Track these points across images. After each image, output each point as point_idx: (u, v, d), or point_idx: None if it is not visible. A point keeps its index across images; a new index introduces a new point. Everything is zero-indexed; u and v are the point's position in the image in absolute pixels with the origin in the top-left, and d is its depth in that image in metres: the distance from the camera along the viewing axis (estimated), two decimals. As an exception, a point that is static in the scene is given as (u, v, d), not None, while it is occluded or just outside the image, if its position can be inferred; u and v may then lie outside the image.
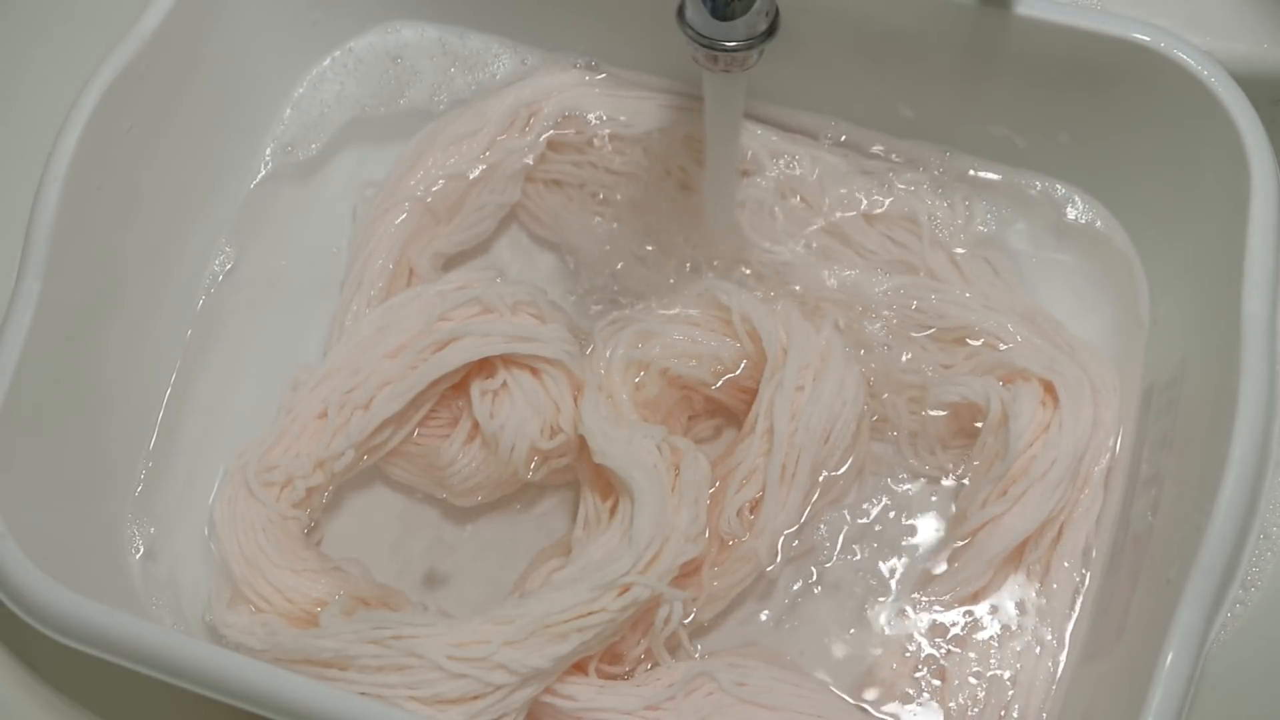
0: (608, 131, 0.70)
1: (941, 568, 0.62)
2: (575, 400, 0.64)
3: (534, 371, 0.64)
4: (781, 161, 0.68)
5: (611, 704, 0.57)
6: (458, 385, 0.65)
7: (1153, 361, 0.62)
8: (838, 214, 0.68)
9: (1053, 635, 0.59)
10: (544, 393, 0.64)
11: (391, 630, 0.56)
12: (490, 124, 0.70)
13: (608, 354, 0.64)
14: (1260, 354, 0.53)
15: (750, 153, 0.68)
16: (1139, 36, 0.60)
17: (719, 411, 0.66)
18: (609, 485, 0.62)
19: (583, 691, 0.58)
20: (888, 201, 0.68)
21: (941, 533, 0.63)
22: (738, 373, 0.64)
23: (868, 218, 0.68)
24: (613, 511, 0.61)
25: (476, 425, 0.64)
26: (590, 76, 0.71)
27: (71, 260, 0.59)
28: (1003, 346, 0.64)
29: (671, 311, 0.65)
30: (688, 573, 0.60)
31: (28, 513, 0.56)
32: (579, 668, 0.59)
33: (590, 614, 0.56)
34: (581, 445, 0.63)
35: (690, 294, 0.66)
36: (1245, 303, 0.54)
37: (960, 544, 0.62)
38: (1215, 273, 0.57)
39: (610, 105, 0.70)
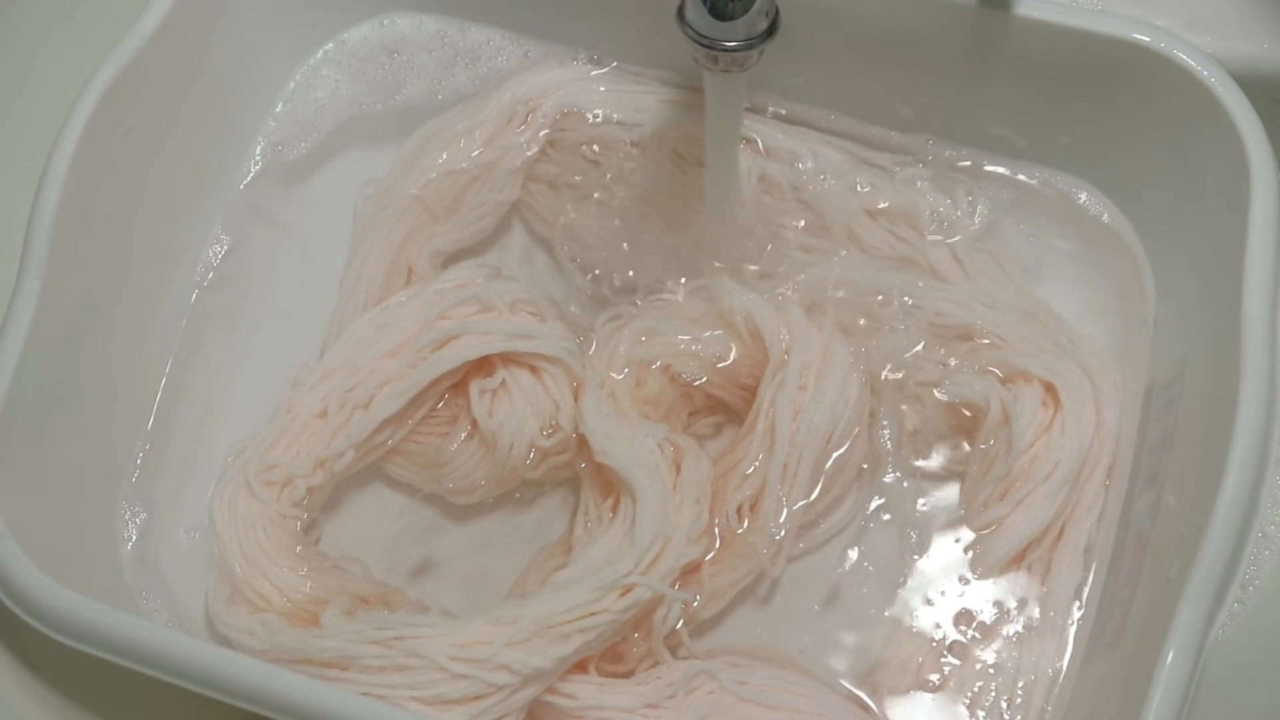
0: (607, 128, 0.70)
1: (943, 567, 0.62)
2: (575, 398, 0.64)
3: (533, 370, 0.64)
4: (783, 158, 0.68)
5: (612, 702, 0.57)
6: (457, 384, 0.65)
7: (1153, 361, 0.62)
8: (839, 210, 0.67)
9: (1055, 634, 0.59)
10: (543, 391, 0.64)
11: (393, 631, 0.56)
12: (488, 120, 0.70)
13: (609, 351, 0.64)
14: (1260, 354, 0.53)
15: (751, 149, 0.68)
16: (1139, 37, 0.60)
17: (719, 408, 0.66)
18: (609, 484, 0.62)
19: (583, 690, 0.58)
20: (889, 197, 0.67)
21: (942, 532, 0.63)
22: (729, 362, 0.64)
23: (869, 213, 0.68)
24: (613, 510, 0.61)
25: (475, 423, 0.64)
26: (592, 71, 0.71)
27: (71, 259, 0.59)
28: (1003, 344, 0.64)
29: (673, 309, 0.65)
30: (688, 571, 0.60)
31: (28, 512, 0.56)
32: (580, 666, 0.59)
33: (592, 615, 0.56)
34: (581, 443, 0.63)
35: (691, 292, 0.66)
36: (1245, 303, 0.54)
37: (964, 544, 0.62)
38: (1216, 272, 0.57)
39: (610, 101, 0.70)
